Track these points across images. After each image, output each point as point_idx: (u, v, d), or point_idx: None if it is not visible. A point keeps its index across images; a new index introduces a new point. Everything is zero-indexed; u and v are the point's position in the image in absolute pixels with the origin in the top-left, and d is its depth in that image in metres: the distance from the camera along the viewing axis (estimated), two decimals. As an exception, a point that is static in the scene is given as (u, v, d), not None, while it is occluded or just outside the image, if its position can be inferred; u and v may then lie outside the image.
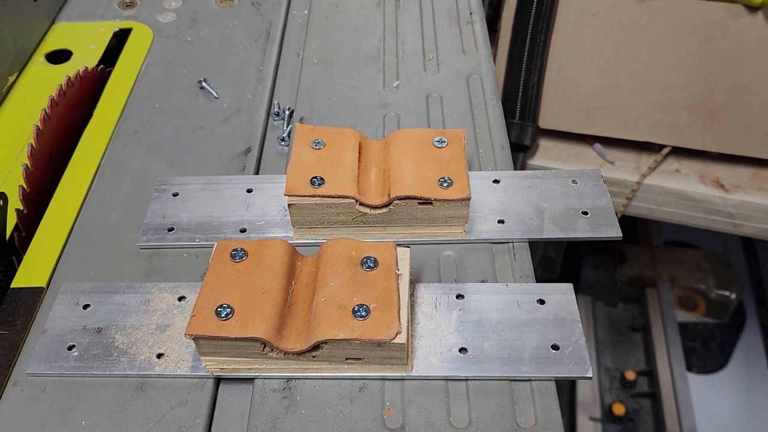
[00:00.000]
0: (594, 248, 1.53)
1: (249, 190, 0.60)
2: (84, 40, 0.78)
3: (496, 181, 0.60)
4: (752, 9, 0.95)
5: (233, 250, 0.48)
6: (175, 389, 0.47)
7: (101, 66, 0.74)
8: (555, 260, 1.47)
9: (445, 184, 0.52)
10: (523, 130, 1.07)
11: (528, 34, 1.04)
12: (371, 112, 0.68)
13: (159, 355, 0.48)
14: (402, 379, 0.46)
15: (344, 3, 0.84)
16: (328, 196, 0.52)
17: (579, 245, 1.52)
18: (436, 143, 0.55)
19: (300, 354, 0.45)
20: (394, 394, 0.46)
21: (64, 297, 0.52)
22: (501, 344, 0.48)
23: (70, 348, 0.49)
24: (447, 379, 0.46)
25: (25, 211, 0.59)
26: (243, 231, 0.57)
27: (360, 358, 0.45)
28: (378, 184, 0.54)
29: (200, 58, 0.76)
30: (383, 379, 0.47)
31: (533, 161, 1.13)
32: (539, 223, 0.56)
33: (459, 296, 0.51)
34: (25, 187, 0.59)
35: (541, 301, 0.50)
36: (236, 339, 0.44)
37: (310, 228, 0.55)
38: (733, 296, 1.45)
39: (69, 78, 0.69)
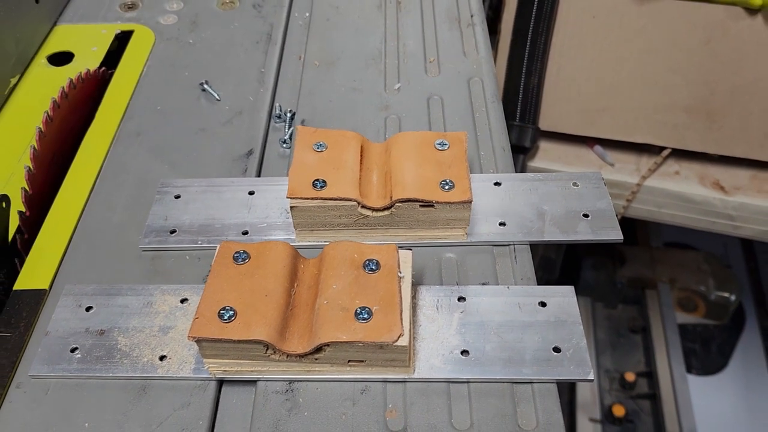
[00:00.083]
0: (594, 249, 1.53)
1: (251, 193, 0.60)
2: (86, 42, 0.78)
3: (497, 184, 0.60)
4: (752, 11, 0.95)
5: (236, 253, 0.48)
6: (178, 391, 0.47)
7: (103, 68, 0.75)
8: (555, 261, 1.47)
9: (446, 187, 0.52)
10: (523, 132, 1.08)
11: (528, 36, 1.04)
12: (372, 115, 0.69)
13: (162, 357, 0.48)
14: (404, 381, 0.47)
15: (345, 5, 0.84)
16: (331, 199, 0.52)
17: (579, 246, 1.52)
18: (437, 146, 0.56)
19: (302, 356, 0.45)
20: (396, 397, 0.46)
21: (67, 299, 0.52)
22: (502, 346, 0.48)
23: (72, 350, 0.49)
24: (449, 382, 0.47)
25: (28, 213, 0.59)
26: (245, 233, 0.57)
27: (362, 361, 0.45)
28: (380, 187, 0.55)
29: (202, 60, 0.76)
30: (385, 381, 0.47)
31: (533, 163, 1.13)
32: (540, 226, 0.56)
33: (460, 299, 0.51)
34: (27, 189, 0.59)
35: (543, 304, 0.50)
36: (239, 341, 0.44)
37: (312, 230, 0.55)
38: (733, 298, 1.46)
39: (71, 80, 0.69)
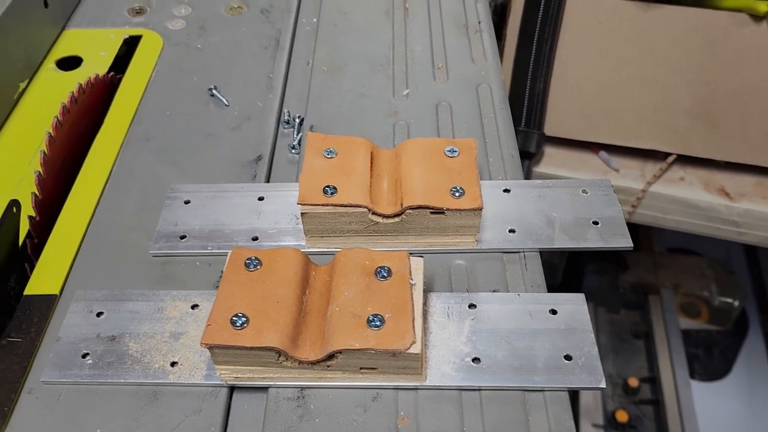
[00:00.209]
0: (596, 255, 1.53)
1: (260, 198, 0.60)
2: (94, 46, 0.79)
3: (506, 191, 0.60)
4: (757, 18, 0.96)
5: (247, 259, 0.48)
6: (190, 397, 0.47)
7: (112, 73, 0.75)
8: (557, 266, 1.47)
9: (457, 194, 0.52)
10: (529, 138, 1.08)
11: (534, 42, 1.04)
12: (381, 121, 0.69)
13: (173, 364, 0.48)
14: (416, 388, 0.47)
15: (353, 11, 0.84)
16: (341, 205, 0.52)
17: (582, 252, 1.52)
18: (447, 153, 0.56)
19: (314, 363, 0.45)
20: (407, 404, 0.46)
21: (78, 305, 0.52)
22: (513, 354, 0.48)
23: (84, 356, 0.49)
24: (460, 389, 0.47)
25: (38, 218, 0.59)
26: (255, 239, 0.57)
27: (374, 368, 0.45)
28: (390, 194, 0.55)
29: (210, 66, 0.76)
30: (397, 388, 0.47)
31: (538, 168, 1.13)
32: (550, 233, 0.57)
33: (471, 306, 0.51)
34: (37, 193, 0.59)
35: (553, 311, 0.50)
36: (251, 348, 0.44)
37: (323, 237, 0.55)
38: (736, 303, 1.46)
39: (80, 85, 0.69)
